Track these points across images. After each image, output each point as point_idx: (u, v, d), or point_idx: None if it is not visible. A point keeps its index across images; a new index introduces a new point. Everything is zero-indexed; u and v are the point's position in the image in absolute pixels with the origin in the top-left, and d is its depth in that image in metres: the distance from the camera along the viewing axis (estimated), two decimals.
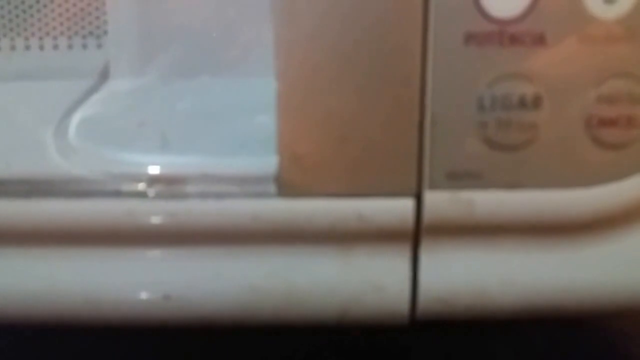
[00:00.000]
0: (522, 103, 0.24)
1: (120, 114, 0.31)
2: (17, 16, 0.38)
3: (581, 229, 0.26)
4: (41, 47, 0.37)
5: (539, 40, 0.24)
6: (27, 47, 0.38)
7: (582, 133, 0.25)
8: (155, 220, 0.27)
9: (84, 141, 0.29)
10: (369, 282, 0.27)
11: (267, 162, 0.27)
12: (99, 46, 0.37)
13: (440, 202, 0.26)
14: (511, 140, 0.25)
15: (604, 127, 0.25)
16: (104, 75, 0.35)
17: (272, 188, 0.27)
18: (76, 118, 0.31)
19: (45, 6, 0.37)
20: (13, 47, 0.37)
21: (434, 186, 0.26)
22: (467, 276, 0.27)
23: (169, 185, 0.27)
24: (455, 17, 0.23)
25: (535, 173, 0.25)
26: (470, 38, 0.23)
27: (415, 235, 0.27)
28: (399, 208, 0.26)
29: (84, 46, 0.37)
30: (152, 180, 0.27)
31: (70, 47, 0.37)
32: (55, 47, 0.37)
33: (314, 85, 0.25)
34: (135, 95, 0.33)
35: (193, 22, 0.35)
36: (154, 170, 0.27)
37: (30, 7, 0.38)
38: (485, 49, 0.24)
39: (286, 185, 0.26)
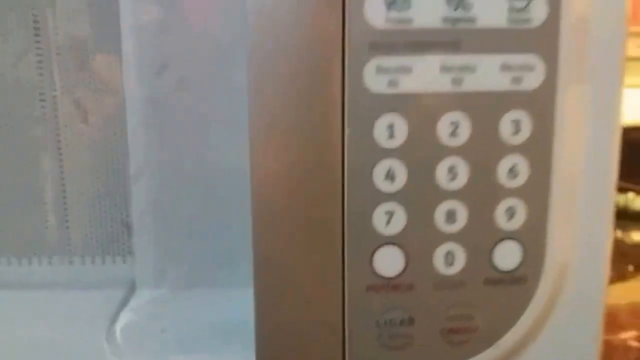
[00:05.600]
0: (402, 323, 0.40)
1: (146, 322, 0.46)
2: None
3: None
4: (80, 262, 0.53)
5: (409, 287, 0.40)
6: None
7: (439, 338, 0.41)
8: None
9: (129, 345, 0.43)
10: None
11: None
12: (124, 261, 0.52)
13: None
14: (396, 344, 0.41)
15: (453, 334, 0.41)
16: (132, 287, 0.50)
17: None
18: (119, 325, 0.45)
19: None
20: (61, 262, 0.52)
21: None
22: None
23: None
24: (358, 275, 0.40)
25: None
26: (369, 287, 0.40)
27: None
28: None
29: (114, 261, 0.53)
30: None
31: (103, 262, 0.53)
32: (93, 261, 0.53)
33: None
34: (155, 306, 0.48)
35: (204, 236, 0.49)
36: None
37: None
38: (379, 294, 0.40)
39: None
